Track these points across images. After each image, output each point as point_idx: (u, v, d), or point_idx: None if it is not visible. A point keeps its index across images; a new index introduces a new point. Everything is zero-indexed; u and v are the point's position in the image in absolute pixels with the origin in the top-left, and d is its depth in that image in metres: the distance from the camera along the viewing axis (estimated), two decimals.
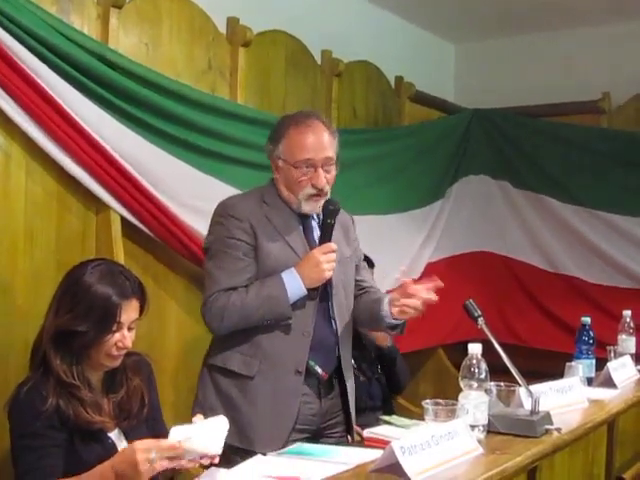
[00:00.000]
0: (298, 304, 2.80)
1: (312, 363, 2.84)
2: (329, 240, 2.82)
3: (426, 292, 2.83)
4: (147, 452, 1.97)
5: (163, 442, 1.98)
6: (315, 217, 2.94)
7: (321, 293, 2.86)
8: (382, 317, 2.89)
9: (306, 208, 2.86)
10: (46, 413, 2.26)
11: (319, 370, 2.85)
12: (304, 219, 2.93)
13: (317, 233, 2.91)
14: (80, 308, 2.34)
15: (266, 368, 2.81)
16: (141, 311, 2.45)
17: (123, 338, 2.38)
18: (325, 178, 2.83)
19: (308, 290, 2.79)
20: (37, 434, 2.25)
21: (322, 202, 2.86)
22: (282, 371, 2.80)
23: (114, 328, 2.35)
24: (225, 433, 2.04)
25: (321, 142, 2.85)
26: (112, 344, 2.36)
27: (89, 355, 2.37)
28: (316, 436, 2.84)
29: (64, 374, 2.33)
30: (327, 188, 2.87)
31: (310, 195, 2.84)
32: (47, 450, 2.24)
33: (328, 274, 2.79)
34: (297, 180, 2.83)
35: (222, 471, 2.17)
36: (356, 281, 3.07)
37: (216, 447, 2.01)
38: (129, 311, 2.39)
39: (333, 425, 2.95)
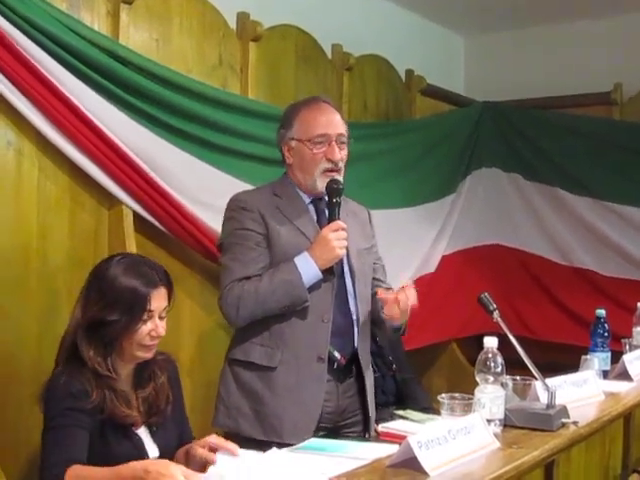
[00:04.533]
0: (315, 290, 2.80)
1: (330, 348, 2.84)
2: (337, 218, 2.82)
3: (405, 298, 2.77)
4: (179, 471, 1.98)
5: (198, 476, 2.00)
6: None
7: (339, 280, 2.87)
8: (383, 319, 2.90)
9: (321, 185, 2.86)
10: (79, 396, 2.29)
11: (337, 355, 2.86)
12: (317, 206, 2.94)
13: None
14: (108, 299, 2.37)
15: (288, 358, 2.82)
16: (169, 298, 2.48)
17: (156, 327, 2.42)
18: (339, 154, 2.86)
19: (323, 272, 2.79)
20: (67, 414, 2.27)
21: (337, 179, 2.86)
22: (304, 359, 2.81)
23: (145, 317, 2.39)
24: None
25: (334, 119, 2.91)
26: (145, 334, 2.40)
27: (122, 346, 2.40)
28: (332, 434, 2.82)
29: (99, 366, 2.36)
30: (341, 164, 2.89)
31: (325, 169, 2.85)
32: (74, 430, 2.27)
33: (340, 252, 2.79)
34: (312, 155, 2.85)
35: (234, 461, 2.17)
36: (376, 279, 3.07)
37: None
38: (158, 299, 2.42)
39: (351, 424, 2.95)
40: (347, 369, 2.93)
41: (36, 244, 3.26)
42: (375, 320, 3.01)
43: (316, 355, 2.82)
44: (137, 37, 3.68)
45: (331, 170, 2.86)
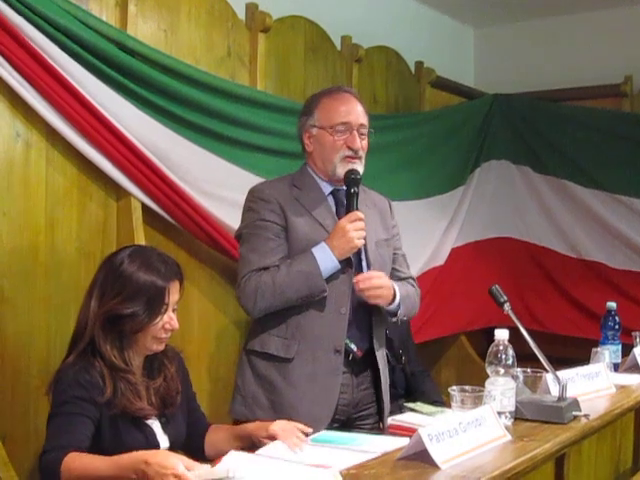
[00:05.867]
0: (333, 282, 2.80)
1: (347, 340, 2.84)
2: (355, 209, 2.82)
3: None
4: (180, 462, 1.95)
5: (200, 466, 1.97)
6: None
7: (357, 272, 2.85)
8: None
9: (342, 172, 2.86)
10: (88, 387, 2.29)
11: (354, 347, 2.86)
12: (336, 197, 2.94)
13: None
14: (127, 293, 2.37)
15: (305, 349, 2.82)
16: (180, 291, 2.49)
17: (170, 320, 2.44)
18: (360, 143, 2.86)
19: (341, 263, 2.79)
20: (74, 402, 2.27)
21: (358, 166, 2.87)
22: (321, 351, 2.82)
23: (163, 310, 2.40)
24: None
25: (356, 109, 2.91)
26: (160, 327, 2.41)
27: (136, 339, 2.41)
28: (346, 426, 2.83)
29: (115, 359, 2.37)
30: (362, 153, 2.89)
31: (345, 156, 2.86)
32: (79, 418, 2.26)
33: (358, 242, 2.78)
34: (333, 143, 2.86)
35: (245, 455, 2.16)
36: (394, 269, 3.06)
37: None
38: (173, 292, 2.44)
39: (365, 417, 2.95)
40: (363, 362, 2.92)
41: (44, 236, 3.25)
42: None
43: (333, 347, 2.82)
44: (145, 28, 3.66)
45: (351, 157, 2.86)
